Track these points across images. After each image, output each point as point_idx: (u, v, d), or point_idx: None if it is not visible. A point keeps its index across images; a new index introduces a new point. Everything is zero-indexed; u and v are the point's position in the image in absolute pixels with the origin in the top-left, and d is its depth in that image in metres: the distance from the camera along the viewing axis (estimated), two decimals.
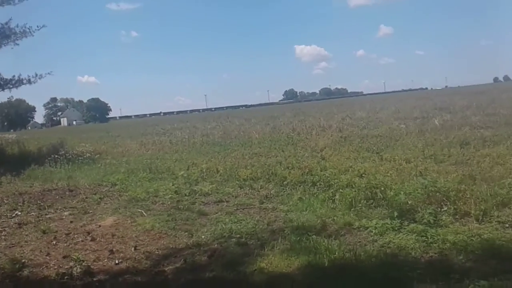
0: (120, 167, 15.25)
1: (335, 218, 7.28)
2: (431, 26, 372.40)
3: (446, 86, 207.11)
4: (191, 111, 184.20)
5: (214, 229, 7.26)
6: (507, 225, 6.14)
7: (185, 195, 10.14)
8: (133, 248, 6.61)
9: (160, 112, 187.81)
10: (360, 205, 7.77)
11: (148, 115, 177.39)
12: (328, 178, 9.87)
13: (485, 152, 11.33)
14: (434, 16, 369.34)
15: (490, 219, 6.41)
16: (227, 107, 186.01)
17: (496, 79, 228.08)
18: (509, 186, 7.28)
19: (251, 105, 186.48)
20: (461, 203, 6.96)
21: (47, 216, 9.30)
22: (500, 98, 35.92)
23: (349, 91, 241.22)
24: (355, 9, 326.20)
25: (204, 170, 12.69)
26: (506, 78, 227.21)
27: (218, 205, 9.23)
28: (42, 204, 10.41)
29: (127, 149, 22.25)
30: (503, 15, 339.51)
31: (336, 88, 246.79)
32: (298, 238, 6.37)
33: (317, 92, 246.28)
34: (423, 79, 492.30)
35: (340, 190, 8.76)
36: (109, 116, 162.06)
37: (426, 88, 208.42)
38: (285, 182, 10.31)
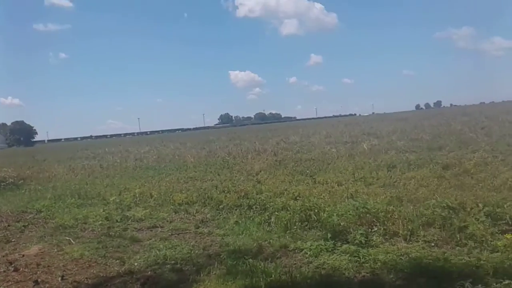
0: (46, 193, 14.44)
1: (271, 240, 7.33)
2: (357, 56, 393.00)
3: (373, 113, 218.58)
4: (125, 134, 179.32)
5: (147, 256, 7.03)
6: (432, 244, 6.48)
7: (117, 221, 9.77)
8: (60, 278, 6.24)
9: (91, 136, 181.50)
10: (295, 227, 7.89)
11: (78, 139, 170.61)
12: (264, 201, 9.95)
13: (410, 175, 11.95)
14: (360, 47, 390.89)
15: (417, 238, 6.74)
16: (162, 131, 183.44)
17: (418, 107, 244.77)
18: (433, 207, 7.67)
19: (187, 129, 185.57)
20: (390, 224, 7.28)
21: None
22: (422, 125, 38.29)
23: (283, 116, 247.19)
24: (287, 37, 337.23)
25: (137, 195, 12.34)
26: (427, 105, 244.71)
27: (152, 230, 8.97)
28: None
29: (54, 174, 21.17)
30: (423, 46, 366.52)
31: (270, 113, 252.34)
32: (235, 262, 6.32)
33: (252, 116, 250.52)
34: (351, 106, 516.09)
35: (276, 213, 8.84)
36: (35, 140, 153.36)
37: (355, 114, 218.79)
38: (221, 206, 10.26)
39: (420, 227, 7.07)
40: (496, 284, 4.83)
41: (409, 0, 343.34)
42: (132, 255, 7.22)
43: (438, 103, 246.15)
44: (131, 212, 10.47)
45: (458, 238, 6.51)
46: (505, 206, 7.34)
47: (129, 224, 9.50)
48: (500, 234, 6.42)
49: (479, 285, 4.77)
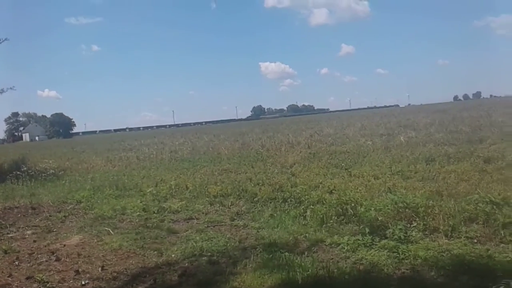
0: (85, 184, 14.82)
1: (307, 234, 7.28)
2: (390, 46, 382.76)
3: (409, 104, 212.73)
4: (158, 126, 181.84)
5: (184, 247, 7.11)
6: (475, 241, 6.26)
7: (154, 212, 9.93)
8: (100, 268, 6.38)
9: (126, 128, 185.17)
10: (332, 221, 7.80)
11: (112, 131, 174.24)
12: (299, 195, 9.86)
13: (450, 169, 11.59)
14: (393, 36, 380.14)
15: (458, 234, 6.52)
16: (194, 123, 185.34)
17: (456, 98, 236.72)
18: (476, 202, 7.42)
19: (220, 121, 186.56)
20: (430, 219, 7.08)
21: (9, 235, 8.92)
22: (461, 116, 37.05)
23: (315, 108, 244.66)
24: (317, 27, 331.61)
25: (173, 186, 12.48)
26: (465, 96, 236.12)
27: (188, 222, 9.08)
28: (3, 222, 9.98)
29: (93, 165, 21.70)
30: (459, 35, 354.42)
31: (303, 104, 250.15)
32: (271, 255, 6.31)
33: (285, 108, 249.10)
34: (386, 97, 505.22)
35: (311, 206, 8.75)
36: (73, 132, 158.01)
37: (397, 105, 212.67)
38: (255, 199, 10.26)
39: (462, 223, 6.86)
40: None
41: None
42: (170, 246, 7.33)
43: (477, 94, 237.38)
44: (167, 204, 10.61)
45: (503, 235, 6.28)
46: None
47: (165, 216, 9.63)
48: None
49: None
